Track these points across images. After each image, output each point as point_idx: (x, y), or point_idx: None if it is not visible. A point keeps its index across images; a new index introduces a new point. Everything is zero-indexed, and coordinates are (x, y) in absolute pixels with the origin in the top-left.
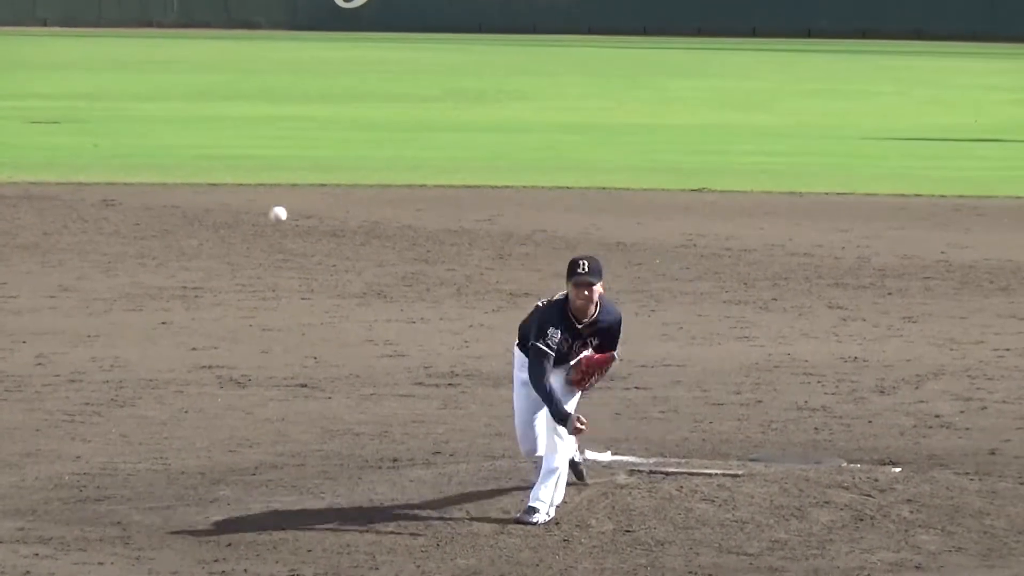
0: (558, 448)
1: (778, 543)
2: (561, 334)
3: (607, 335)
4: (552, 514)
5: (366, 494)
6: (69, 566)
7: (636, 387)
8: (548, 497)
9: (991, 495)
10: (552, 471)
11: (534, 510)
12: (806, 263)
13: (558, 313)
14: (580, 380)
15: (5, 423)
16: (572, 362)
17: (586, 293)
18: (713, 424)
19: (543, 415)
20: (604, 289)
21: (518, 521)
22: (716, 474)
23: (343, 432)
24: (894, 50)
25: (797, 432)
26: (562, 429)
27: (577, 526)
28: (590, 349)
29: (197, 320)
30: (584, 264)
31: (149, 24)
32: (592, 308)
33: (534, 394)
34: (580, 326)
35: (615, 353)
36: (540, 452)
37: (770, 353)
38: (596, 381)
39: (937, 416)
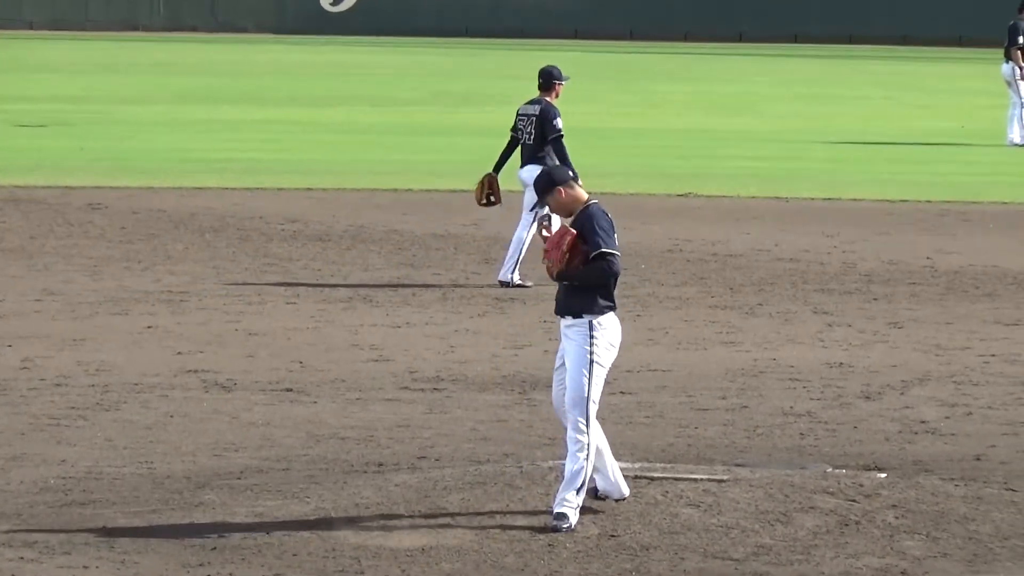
0: (578, 448)
1: (763, 548)
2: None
3: (583, 226)
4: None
5: (351, 498)
6: (54, 570)
7: (621, 392)
8: (574, 499)
9: (976, 501)
10: (575, 472)
11: (563, 516)
12: (792, 268)
13: None
14: (548, 249)
15: None
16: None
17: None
18: (698, 429)
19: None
20: (566, 195)
21: (553, 529)
22: (701, 479)
23: (328, 436)
24: (881, 55)
25: (782, 437)
26: (579, 423)
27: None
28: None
29: (183, 324)
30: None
31: (136, 27)
32: (563, 214)
33: (556, 364)
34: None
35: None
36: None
37: (756, 358)
38: (557, 259)
39: (923, 422)
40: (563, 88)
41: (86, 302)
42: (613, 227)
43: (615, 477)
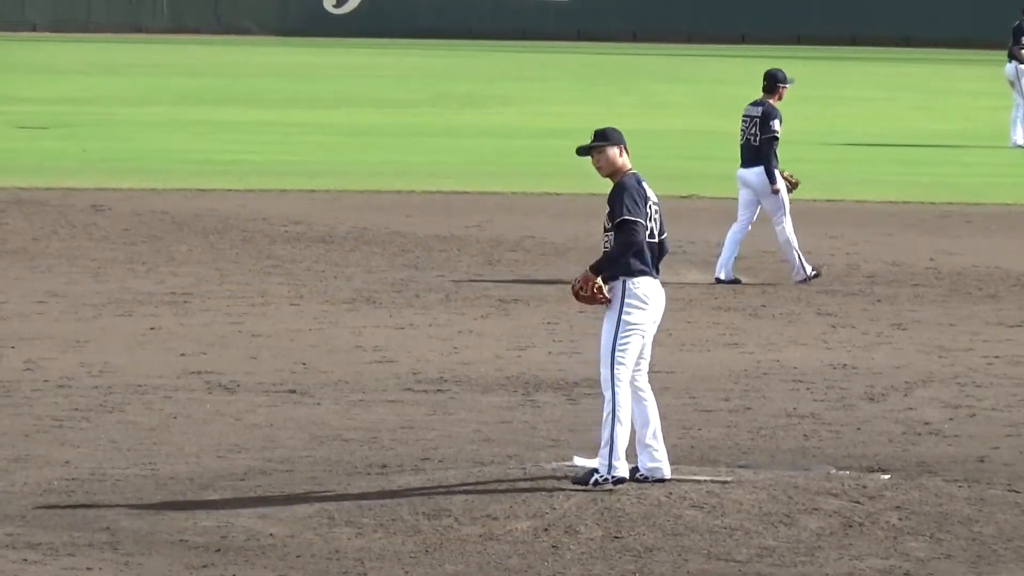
0: (606, 407)
1: (767, 550)
2: None
3: (614, 195)
4: (617, 474)
5: (355, 500)
6: (58, 571)
7: None
8: (606, 456)
9: (980, 502)
10: (604, 429)
11: (592, 471)
12: None
13: None
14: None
15: None
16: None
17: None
18: (702, 431)
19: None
20: (616, 157)
21: (581, 481)
22: (705, 481)
23: (332, 438)
24: (883, 56)
25: (786, 439)
26: (605, 380)
27: (566, 532)
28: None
29: (186, 326)
30: (594, 132)
31: (138, 29)
32: (604, 174)
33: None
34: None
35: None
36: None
37: (759, 360)
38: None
39: (926, 423)
40: (787, 91)
41: (89, 304)
42: (645, 198)
43: (658, 456)
